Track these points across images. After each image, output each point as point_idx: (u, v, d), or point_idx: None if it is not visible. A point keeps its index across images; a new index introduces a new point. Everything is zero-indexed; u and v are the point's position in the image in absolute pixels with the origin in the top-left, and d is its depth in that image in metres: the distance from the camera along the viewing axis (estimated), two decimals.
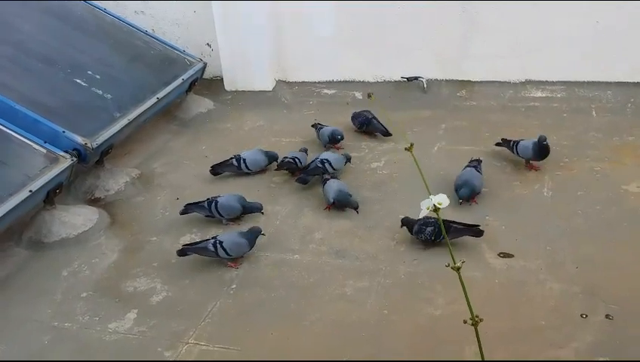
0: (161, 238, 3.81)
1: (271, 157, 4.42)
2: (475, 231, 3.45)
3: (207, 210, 3.82)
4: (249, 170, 4.36)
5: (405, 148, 1.80)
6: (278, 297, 3.23)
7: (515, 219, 3.69)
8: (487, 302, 2.99)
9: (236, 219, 3.88)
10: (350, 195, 3.88)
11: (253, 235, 3.50)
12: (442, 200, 1.65)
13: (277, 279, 3.37)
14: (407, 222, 3.55)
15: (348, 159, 4.32)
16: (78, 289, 3.41)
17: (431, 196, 1.65)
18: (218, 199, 3.84)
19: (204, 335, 3.00)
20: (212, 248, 3.39)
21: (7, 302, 3.35)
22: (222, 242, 3.39)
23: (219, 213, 3.81)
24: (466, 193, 3.77)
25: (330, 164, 4.15)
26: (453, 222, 3.45)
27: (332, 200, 3.85)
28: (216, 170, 4.41)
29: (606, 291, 3.04)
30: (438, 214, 1.66)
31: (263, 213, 3.89)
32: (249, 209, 3.88)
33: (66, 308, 3.27)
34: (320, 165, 4.15)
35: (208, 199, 3.86)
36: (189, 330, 3.03)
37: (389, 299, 3.15)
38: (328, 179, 4.00)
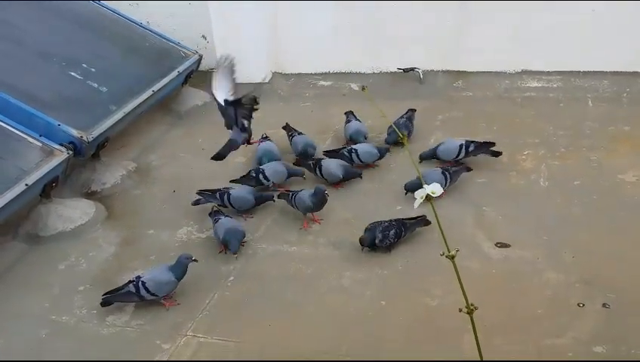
0: (158, 231, 3.80)
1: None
2: (423, 221, 3.47)
3: (219, 200, 3.83)
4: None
5: (399, 139, 1.81)
6: (276, 289, 3.23)
7: (512, 209, 3.69)
8: (484, 291, 2.99)
9: (248, 211, 3.87)
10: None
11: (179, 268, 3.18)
12: (436, 189, 1.65)
13: (274, 271, 3.37)
14: (369, 242, 3.38)
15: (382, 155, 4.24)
16: (76, 282, 3.41)
17: (425, 186, 1.66)
18: (231, 191, 3.84)
19: (202, 327, 3.01)
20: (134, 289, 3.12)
21: (4, 296, 3.34)
22: (144, 283, 3.10)
23: (232, 205, 3.82)
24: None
25: (357, 155, 4.16)
26: (404, 219, 3.46)
27: (341, 176, 3.97)
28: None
29: (603, 280, 3.05)
30: (432, 203, 1.67)
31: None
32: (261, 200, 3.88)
33: (63, 302, 3.27)
34: (347, 154, 4.17)
35: (220, 190, 3.87)
36: (187, 322, 3.03)
37: (386, 290, 3.15)
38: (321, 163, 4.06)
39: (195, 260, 3.20)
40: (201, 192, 3.90)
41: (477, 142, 4.12)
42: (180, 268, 3.16)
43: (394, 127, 4.34)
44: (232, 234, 3.47)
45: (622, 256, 3.23)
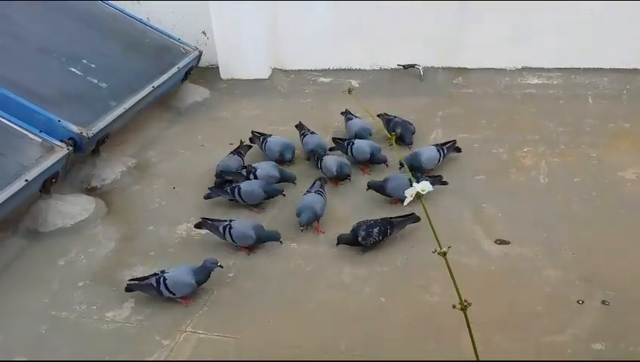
0: (157, 227, 3.80)
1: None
2: (413, 218, 3.47)
3: (230, 195, 3.82)
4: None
5: (387, 139, 1.82)
6: (276, 285, 3.24)
7: (512, 205, 3.69)
8: (483, 288, 3.00)
9: (259, 204, 3.87)
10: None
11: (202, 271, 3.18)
12: (425, 186, 1.65)
13: (274, 268, 3.37)
14: (345, 239, 3.41)
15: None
16: (75, 278, 3.41)
17: (414, 184, 1.66)
18: (241, 185, 3.84)
19: (202, 323, 3.01)
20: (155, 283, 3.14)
21: (4, 292, 3.35)
22: (166, 279, 3.11)
23: (242, 199, 3.82)
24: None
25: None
26: (392, 218, 3.46)
27: (335, 172, 3.97)
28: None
29: (602, 277, 3.05)
30: (422, 201, 1.67)
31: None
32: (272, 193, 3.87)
33: (63, 297, 3.27)
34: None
35: (231, 185, 3.87)
36: (187, 319, 3.04)
37: (386, 287, 3.16)
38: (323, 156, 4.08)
39: (220, 266, 3.20)
40: (212, 187, 3.94)
41: (443, 143, 4.15)
42: (202, 273, 3.15)
43: (388, 133, 4.32)
44: (261, 229, 3.47)
45: (621, 253, 3.23)
